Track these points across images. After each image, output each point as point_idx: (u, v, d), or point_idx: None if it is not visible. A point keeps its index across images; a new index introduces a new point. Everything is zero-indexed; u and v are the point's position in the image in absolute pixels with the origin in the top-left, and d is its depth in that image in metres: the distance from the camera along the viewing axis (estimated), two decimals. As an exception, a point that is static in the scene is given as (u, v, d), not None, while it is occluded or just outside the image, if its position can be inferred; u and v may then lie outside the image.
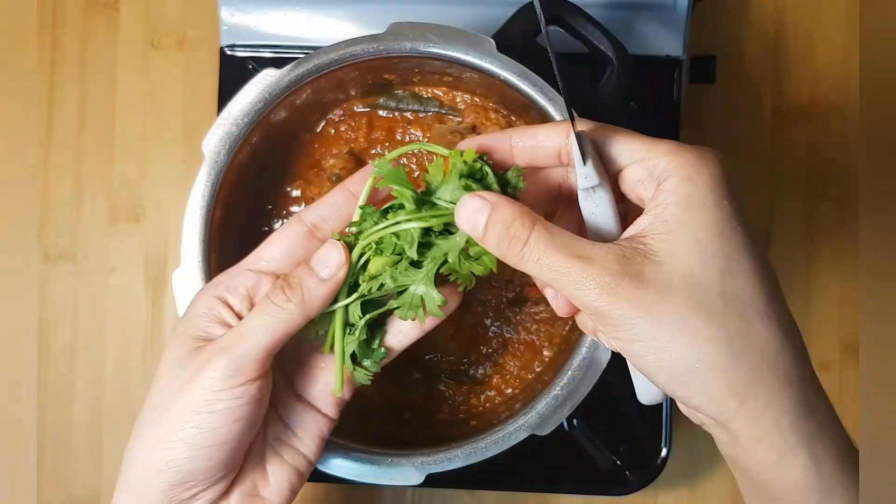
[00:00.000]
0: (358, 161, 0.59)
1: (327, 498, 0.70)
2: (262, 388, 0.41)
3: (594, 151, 0.39)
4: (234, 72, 0.63)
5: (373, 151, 0.60)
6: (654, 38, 0.63)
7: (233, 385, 0.40)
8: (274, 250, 0.45)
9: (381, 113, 0.60)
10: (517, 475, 0.62)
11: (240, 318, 0.43)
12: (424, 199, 0.41)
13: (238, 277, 0.44)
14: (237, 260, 0.57)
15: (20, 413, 0.68)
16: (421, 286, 0.41)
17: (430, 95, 0.60)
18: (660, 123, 0.63)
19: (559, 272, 0.36)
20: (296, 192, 0.60)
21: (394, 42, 0.53)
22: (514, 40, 0.54)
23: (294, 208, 0.60)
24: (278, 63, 0.54)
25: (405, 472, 0.51)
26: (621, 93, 0.55)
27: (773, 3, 0.71)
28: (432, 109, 0.60)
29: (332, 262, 0.42)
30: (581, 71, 0.55)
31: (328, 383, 0.46)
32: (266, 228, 0.59)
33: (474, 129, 0.58)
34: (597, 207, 0.39)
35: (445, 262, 0.41)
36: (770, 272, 0.37)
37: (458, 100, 0.60)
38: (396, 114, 0.60)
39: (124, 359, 0.71)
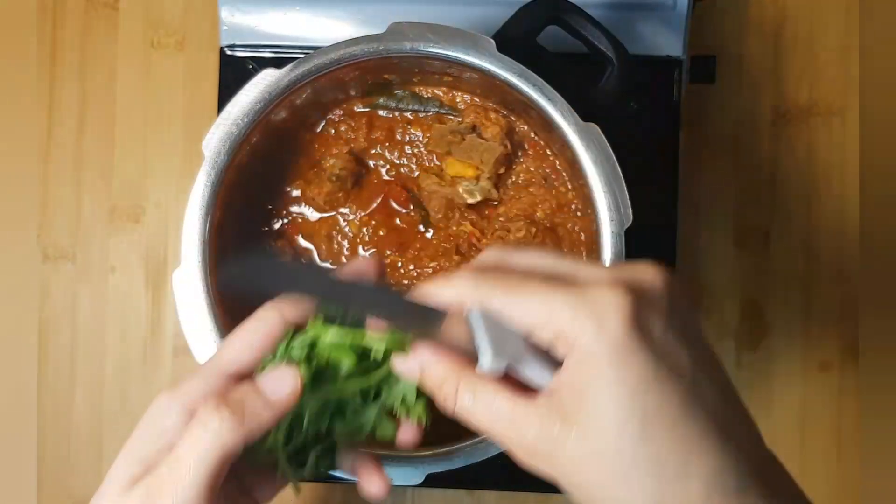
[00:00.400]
0: (358, 161, 0.59)
1: (327, 498, 0.71)
2: None
3: (494, 331, 0.36)
4: (234, 72, 0.63)
5: (373, 151, 0.60)
6: (654, 38, 0.63)
7: None
8: (250, 349, 0.40)
9: (381, 113, 0.60)
10: (517, 475, 0.62)
11: None
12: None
13: (211, 381, 0.39)
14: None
15: (20, 413, 0.68)
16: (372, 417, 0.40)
17: (430, 95, 0.60)
18: (660, 124, 0.63)
19: (498, 413, 0.35)
20: (296, 192, 0.60)
21: (394, 42, 0.53)
22: (513, 40, 0.54)
23: (294, 208, 0.60)
24: (278, 63, 0.54)
25: (405, 472, 0.51)
26: (621, 93, 0.55)
27: (774, 3, 0.71)
28: (432, 109, 0.60)
29: (284, 390, 0.38)
30: (581, 71, 0.55)
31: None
32: (266, 228, 0.59)
33: (474, 129, 0.58)
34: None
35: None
36: (697, 409, 0.33)
37: (458, 100, 0.60)
38: (396, 114, 0.60)
39: (124, 359, 0.71)
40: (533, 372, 0.36)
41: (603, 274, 0.35)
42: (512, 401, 0.35)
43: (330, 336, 0.39)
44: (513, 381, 0.36)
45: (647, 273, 0.35)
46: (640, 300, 0.33)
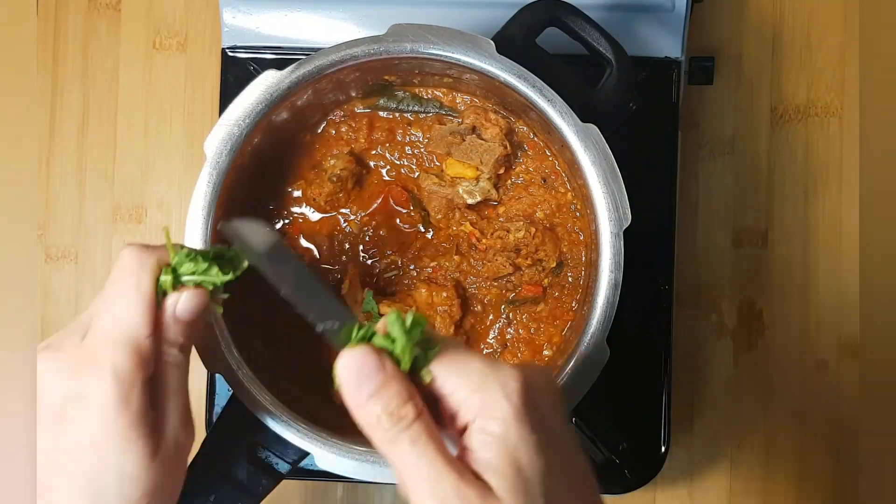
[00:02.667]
0: (359, 161, 0.60)
1: (327, 496, 0.71)
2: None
3: None
4: (235, 73, 0.64)
5: (373, 152, 0.61)
6: (652, 39, 0.63)
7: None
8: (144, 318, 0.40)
9: (382, 114, 0.61)
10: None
11: None
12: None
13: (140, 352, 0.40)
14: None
15: (21, 412, 0.68)
16: None
17: (430, 96, 0.60)
18: (658, 124, 0.63)
19: (424, 468, 0.35)
20: (297, 193, 0.60)
21: (394, 43, 0.53)
22: (513, 42, 0.54)
23: (295, 209, 0.60)
24: (279, 64, 0.55)
25: (405, 471, 0.51)
26: (620, 94, 0.55)
27: (772, 4, 0.72)
28: (432, 110, 0.60)
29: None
30: (580, 72, 0.55)
31: None
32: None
33: (474, 130, 0.58)
34: None
35: None
36: (573, 482, 0.37)
37: (458, 101, 0.60)
38: (397, 115, 0.61)
39: (126, 358, 0.71)
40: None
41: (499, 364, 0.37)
42: (446, 459, 0.35)
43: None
44: None
45: (538, 368, 0.40)
46: (531, 383, 0.36)
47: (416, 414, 0.35)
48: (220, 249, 0.43)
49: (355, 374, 0.36)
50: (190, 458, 0.45)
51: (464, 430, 0.36)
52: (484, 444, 0.35)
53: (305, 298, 0.39)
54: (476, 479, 0.35)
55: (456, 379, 0.36)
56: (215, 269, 0.41)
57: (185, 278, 0.41)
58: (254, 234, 0.41)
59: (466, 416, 0.36)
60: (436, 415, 0.37)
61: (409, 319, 0.36)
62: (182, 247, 0.42)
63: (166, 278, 0.41)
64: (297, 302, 0.39)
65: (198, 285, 0.41)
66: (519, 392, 0.35)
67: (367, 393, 0.36)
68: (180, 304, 0.41)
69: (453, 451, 0.36)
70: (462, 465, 0.35)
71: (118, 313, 0.39)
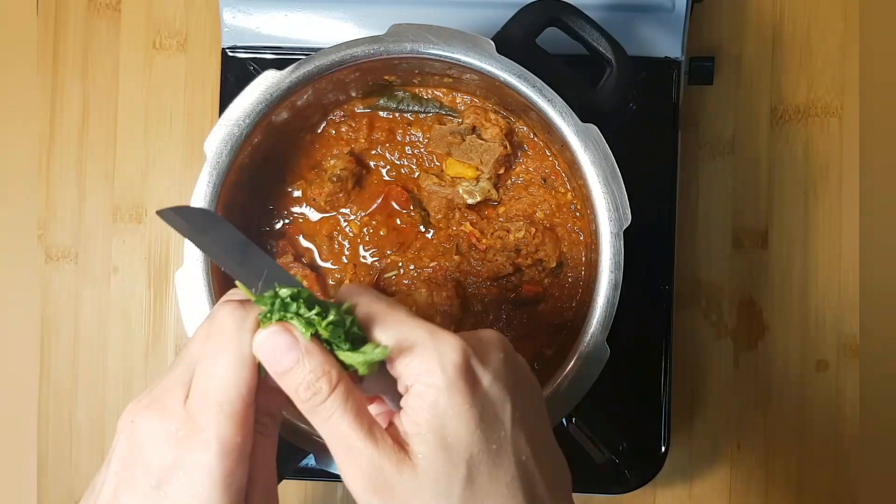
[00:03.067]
0: (359, 161, 0.60)
1: (327, 496, 0.71)
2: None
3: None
4: (235, 73, 0.64)
5: (373, 152, 0.61)
6: (652, 39, 0.63)
7: None
8: (241, 364, 0.38)
9: (382, 114, 0.61)
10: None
11: None
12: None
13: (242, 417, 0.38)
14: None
15: (22, 413, 0.68)
16: None
17: (430, 96, 0.60)
18: (658, 124, 0.63)
19: (341, 438, 0.36)
20: (297, 193, 0.60)
21: (394, 43, 0.53)
22: (513, 42, 0.54)
23: (295, 209, 0.60)
24: (279, 64, 0.55)
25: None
26: (620, 94, 0.55)
27: (772, 4, 0.72)
28: (432, 110, 0.60)
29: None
30: (580, 72, 0.55)
31: None
32: (267, 228, 0.60)
33: (474, 130, 0.59)
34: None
35: None
36: (510, 461, 0.37)
37: (458, 101, 0.60)
38: (397, 115, 0.61)
39: (126, 359, 0.71)
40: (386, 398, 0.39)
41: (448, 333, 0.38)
42: (361, 432, 0.36)
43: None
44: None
45: (486, 333, 0.39)
46: (475, 352, 0.37)
47: (331, 387, 0.36)
48: (310, 295, 0.39)
49: (270, 351, 0.37)
50: None
51: (405, 392, 0.37)
52: (416, 408, 0.36)
53: (244, 271, 0.39)
54: (396, 445, 0.36)
55: (396, 346, 0.37)
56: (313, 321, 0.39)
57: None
58: (189, 216, 0.40)
59: (406, 379, 0.37)
60: (386, 375, 0.38)
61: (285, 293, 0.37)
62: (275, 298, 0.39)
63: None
64: (236, 274, 0.39)
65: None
66: (456, 363, 0.36)
67: (283, 368, 0.37)
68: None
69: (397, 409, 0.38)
70: (381, 433, 0.37)
71: (222, 378, 0.37)
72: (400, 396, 0.38)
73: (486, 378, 0.37)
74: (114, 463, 0.38)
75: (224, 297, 0.41)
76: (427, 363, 0.36)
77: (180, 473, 0.36)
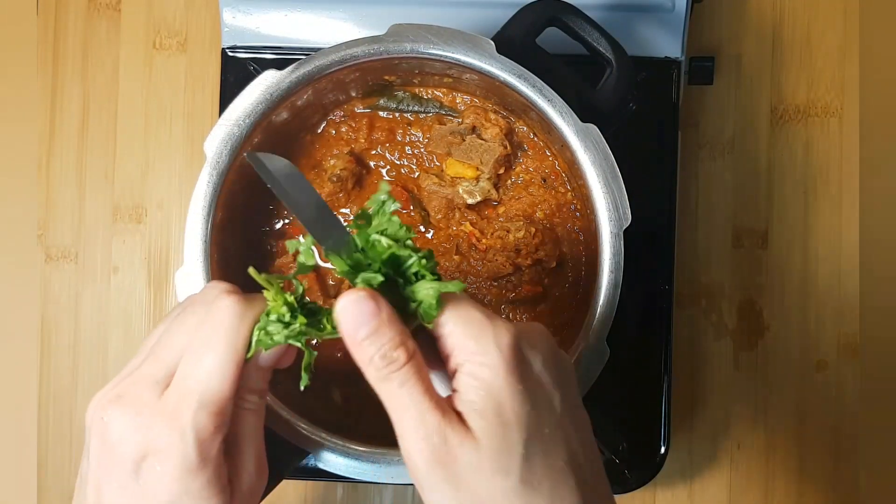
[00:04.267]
0: (359, 161, 0.60)
1: (327, 496, 0.71)
2: None
3: None
4: (235, 73, 0.64)
5: (373, 152, 0.61)
6: (652, 39, 0.63)
7: None
8: (231, 359, 0.39)
9: (382, 114, 0.61)
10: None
11: None
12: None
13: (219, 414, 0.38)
14: (238, 259, 0.58)
15: (22, 412, 0.68)
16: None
17: (430, 96, 0.61)
18: (658, 124, 0.63)
19: (411, 407, 0.37)
20: (297, 193, 0.60)
21: (394, 44, 0.53)
22: (513, 42, 0.54)
23: (295, 209, 0.60)
24: (280, 64, 0.55)
25: (406, 471, 0.51)
26: (620, 94, 0.55)
27: (772, 4, 0.72)
28: (432, 110, 0.60)
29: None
30: (580, 72, 0.55)
31: None
32: (267, 228, 0.60)
33: (474, 130, 0.59)
34: None
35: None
36: (561, 445, 0.38)
37: (458, 101, 0.60)
38: (397, 115, 0.61)
39: (126, 359, 0.71)
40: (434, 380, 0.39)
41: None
42: (432, 402, 0.37)
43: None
44: None
45: (535, 325, 0.40)
46: (526, 338, 0.38)
47: (407, 357, 0.37)
48: (312, 305, 0.40)
49: (352, 317, 0.37)
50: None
51: (454, 372, 0.38)
52: (470, 387, 0.37)
53: (320, 227, 0.40)
54: (459, 419, 0.37)
55: (453, 324, 0.38)
56: (306, 325, 0.39)
57: (276, 338, 0.39)
58: (275, 165, 0.43)
59: (458, 358, 0.38)
60: (434, 352, 0.39)
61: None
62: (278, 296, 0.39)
63: (263, 339, 0.39)
64: (312, 230, 0.40)
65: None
66: (510, 345, 0.37)
67: (363, 335, 0.37)
68: (268, 354, 0.40)
69: (445, 392, 0.38)
70: (447, 406, 0.37)
71: (208, 372, 0.38)
72: (443, 375, 0.39)
73: (536, 363, 0.38)
74: (92, 459, 0.39)
75: (215, 285, 0.40)
76: (482, 343, 0.37)
77: (156, 463, 0.37)
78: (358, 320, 0.37)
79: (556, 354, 0.40)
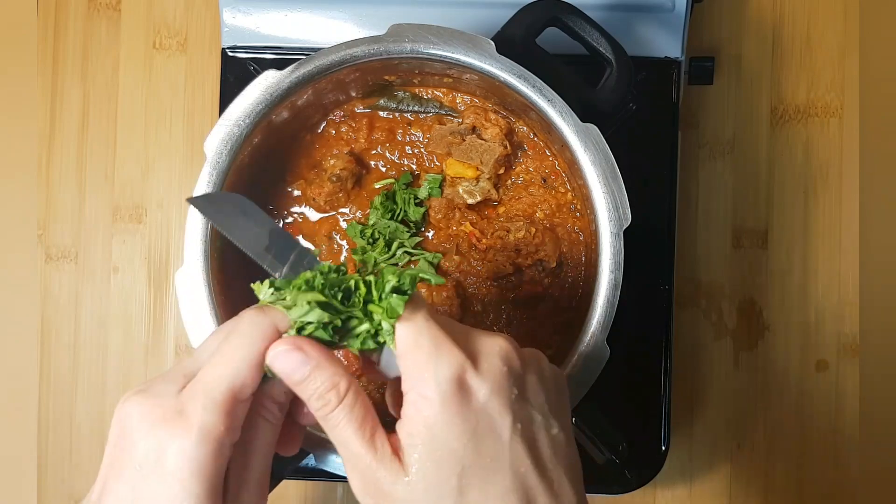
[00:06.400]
0: (358, 161, 0.60)
1: (327, 496, 0.71)
2: None
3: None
4: (235, 73, 0.64)
5: (373, 152, 0.61)
6: (652, 39, 0.63)
7: None
8: (248, 364, 0.40)
9: (382, 114, 0.61)
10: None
11: None
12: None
13: (223, 407, 0.39)
14: (239, 260, 0.58)
15: (22, 412, 0.68)
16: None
17: (430, 96, 0.60)
18: (658, 124, 0.63)
19: (345, 445, 0.39)
20: (296, 193, 0.60)
21: (394, 44, 0.53)
22: (513, 42, 0.54)
23: (295, 208, 0.60)
24: (279, 64, 0.55)
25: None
26: (620, 94, 0.55)
27: (772, 4, 0.72)
28: (432, 110, 0.60)
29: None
30: (580, 72, 0.55)
31: None
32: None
33: (474, 130, 0.59)
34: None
35: None
36: (505, 472, 0.38)
37: (458, 101, 0.60)
38: (397, 115, 0.61)
39: (126, 359, 0.71)
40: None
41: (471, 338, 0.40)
42: (362, 441, 0.38)
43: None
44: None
45: (493, 343, 0.40)
46: (475, 364, 0.38)
47: (338, 400, 0.39)
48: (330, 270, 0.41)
49: (283, 367, 0.39)
50: None
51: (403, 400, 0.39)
52: (410, 417, 0.38)
53: (271, 255, 0.42)
54: (392, 454, 0.38)
55: (402, 348, 0.39)
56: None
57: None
58: (218, 201, 0.44)
59: (405, 384, 0.39)
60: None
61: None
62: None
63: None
64: (261, 260, 0.42)
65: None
66: (450, 378, 0.38)
67: (295, 381, 0.39)
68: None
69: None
70: (381, 442, 0.38)
71: (221, 373, 0.39)
72: None
73: (482, 392, 0.38)
74: (107, 447, 0.40)
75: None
76: (423, 373, 0.38)
77: (161, 457, 0.37)
78: (289, 367, 0.39)
79: (513, 375, 0.39)
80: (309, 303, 0.38)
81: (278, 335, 0.39)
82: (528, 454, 0.39)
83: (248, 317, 0.40)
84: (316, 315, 0.39)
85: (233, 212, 0.43)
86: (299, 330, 0.39)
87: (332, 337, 0.39)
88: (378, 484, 0.38)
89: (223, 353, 0.39)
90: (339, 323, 0.39)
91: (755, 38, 0.71)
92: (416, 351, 0.38)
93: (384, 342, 0.39)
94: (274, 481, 0.52)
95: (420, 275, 0.40)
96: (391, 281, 0.39)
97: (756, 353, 0.70)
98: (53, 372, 0.71)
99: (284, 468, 0.52)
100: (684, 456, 0.70)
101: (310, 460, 0.51)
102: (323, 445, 0.51)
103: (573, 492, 0.40)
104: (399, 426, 0.38)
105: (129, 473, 0.38)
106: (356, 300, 0.40)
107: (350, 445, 0.38)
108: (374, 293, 0.39)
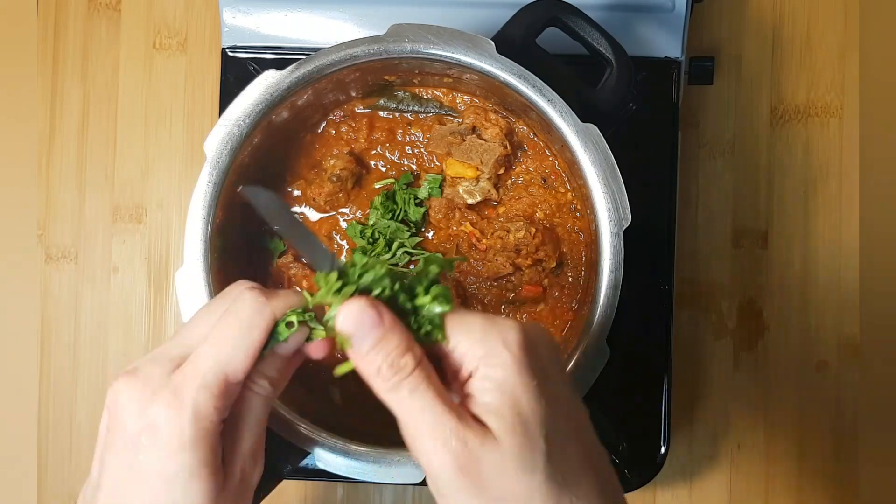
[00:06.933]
0: (358, 161, 0.60)
1: (328, 496, 0.71)
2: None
3: None
4: (235, 73, 0.64)
5: (373, 152, 0.61)
6: (652, 39, 0.63)
7: None
8: (244, 348, 0.40)
9: (382, 114, 0.61)
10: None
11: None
12: None
13: (211, 382, 0.39)
14: (239, 260, 0.58)
15: (22, 412, 0.68)
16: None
17: (430, 96, 0.60)
18: (658, 124, 0.63)
19: (424, 413, 0.36)
20: (297, 193, 0.60)
21: (394, 44, 0.53)
22: (513, 42, 0.54)
23: (295, 208, 0.60)
24: (279, 64, 0.55)
25: (406, 471, 0.51)
26: (620, 94, 0.55)
27: (772, 4, 0.72)
28: (432, 110, 0.60)
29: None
30: (580, 72, 0.55)
31: None
32: (266, 228, 0.60)
33: (474, 130, 0.59)
34: None
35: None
36: (575, 435, 0.38)
37: (458, 101, 0.60)
38: (397, 115, 0.61)
39: (126, 359, 0.71)
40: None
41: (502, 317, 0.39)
42: (445, 404, 0.36)
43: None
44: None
45: (529, 323, 0.41)
46: (531, 333, 0.38)
47: (416, 363, 0.37)
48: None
49: (355, 328, 0.37)
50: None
51: (466, 381, 0.38)
52: (485, 389, 0.36)
53: (310, 251, 0.41)
54: (476, 421, 0.36)
55: (458, 334, 0.37)
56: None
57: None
58: (266, 199, 0.43)
59: (469, 366, 0.37)
60: (440, 373, 0.38)
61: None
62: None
63: (283, 331, 0.40)
64: (304, 253, 0.41)
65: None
66: (518, 342, 0.37)
67: (368, 346, 0.37)
68: (288, 343, 0.41)
69: (455, 400, 0.38)
70: (462, 409, 0.37)
71: (220, 359, 0.39)
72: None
73: (544, 358, 0.38)
74: (101, 431, 0.40)
75: (241, 282, 0.42)
76: (490, 345, 0.37)
77: (155, 434, 0.38)
78: (361, 331, 0.37)
79: (558, 350, 0.40)
80: (382, 265, 0.38)
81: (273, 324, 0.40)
82: (585, 420, 0.39)
83: (248, 301, 0.39)
84: (385, 282, 0.38)
85: (279, 210, 0.43)
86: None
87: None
88: (468, 451, 0.35)
89: (220, 337, 0.39)
90: (404, 300, 0.38)
91: (755, 38, 0.71)
92: (473, 329, 0.37)
93: (433, 341, 0.38)
94: (274, 481, 0.52)
95: (451, 260, 0.41)
96: (433, 270, 0.39)
97: (756, 353, 0.70)
98: (53, 372, 0.71)
99: (284, 468, 0.52)
100: (684, 456, 0.70)
101: (310, 460, 0.51)
102: (323, 446, 0.51)
103: (613, 470, 0.41)
104: (471, 403, 0.37)
105: (124, 452, 0.39)
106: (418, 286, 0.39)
107: (431, 412, 0.36)
108: (422, 283, 0.39)
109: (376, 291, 0.38)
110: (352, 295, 0.38)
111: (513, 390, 0.36)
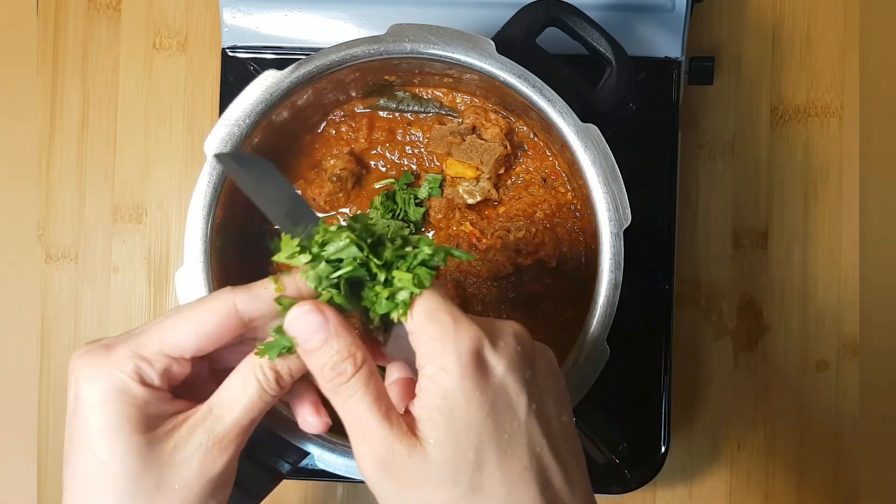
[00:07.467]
0: (359, 161, 0.60)
1: (327, 497, 0.71)
2: None
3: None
4: (235, 73, 0.64)
5: (373, 152, 0.61)
6: (652, 39, 0.63)
7: None
8: (193, 332, 0.40)
9: (382, 114, 0.61)
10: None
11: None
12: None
13: (152, 357, 0.40)
14: (239, 260, 0.58)
15: (22, 412, 0.68)
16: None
17: (430, 97, 0.61)
18: (658, 124, 0.63)
19: (358, 418, 0.37)
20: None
21: (394, 44, 0.53)
22: (513, 42, 0.54)
23: (295, 209, 0.60)
24: (280, 64, 0.55)
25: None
26: (620, 94, 0.55)
27: (772, 4, 0.72)
28: (433, 110, 0.60)
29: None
30: (580, 72, 0.55)
31: None
32: (266, 227, 0.60)
33: (474, 130, 0.59)
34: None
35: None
36: (521, 449, 0.38)
37: (458, 101, 0.60)
38: (397, 115, 0.61)
39: (126, 358, 0.71)
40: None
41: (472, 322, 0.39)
42: (378, 414, 0.37)
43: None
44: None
45: (506, 324, 0.40)
46: (491, 341, 0.38)
47: (355, 369, 0.38)
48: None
49: (301, 330, 0.38)
50: None
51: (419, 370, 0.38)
52: (428, 391, 0.37)
53: (291, 220, 0.41)
54: (408, 430, 0.37)
55: (419, 323, 0.38)
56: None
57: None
58: (244, 162, 0.43)
59: (421, 359, 0.38)
60: (406, 344, 0.39)
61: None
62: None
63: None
64: (282, 224, 0.41)
65: None
66: (470, 350, 0.37)
67: (311, 348, 0.38)
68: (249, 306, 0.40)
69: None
70: (397, 416, 0.38)
71: (164, 329, 0.39)
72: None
73: (500, 368, 0.38)
74: (68, 413, 0.42)
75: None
76: (443, 345, 0.37)
77: (79, 393, 0.40)
78: (307, 331, 0.38)
79: (527, 357, 0.39)
80: (348, 237, 0.38)
81: (237, 320, 0.39)
82: (544, 435, 0.38)
83: (224, 295, 0.40)
84: (352, 251, 0.38)
85: (257, 174, 0.42)
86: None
87: (349, 303, 0.39)
88: (394, 459, 0.37)
89: (171, 314, 0.40)
90: (364, 274, 0.38)
91: (755, 38, 0.71)
92: (434, 324, 0.38)
93: (394, 321, 0.39)
94: (274, 481, 0.52)
95: (452, 251, 0.40)
96: (425, 251, 0.39)
97: (756, 353, 0.70)
98: (53, 372, 0.71)
99: (284, 468, 0.52)
100: (684, 456, 0.70)
101: (310, 460, 0.52)
102: (323, 446, 0.51)
103: (584, 480, 0.40)
104: (413, 404, 0.38)
105: (68, 417, 0.41)
106: (387, 255, 0.39)
107: (365, 418, 0.37)
108: (407, 261, 0.39)
109: (346, 265, 0.38)
110: (309, 262, 0.39)
111: (452, 399, 0.37)
